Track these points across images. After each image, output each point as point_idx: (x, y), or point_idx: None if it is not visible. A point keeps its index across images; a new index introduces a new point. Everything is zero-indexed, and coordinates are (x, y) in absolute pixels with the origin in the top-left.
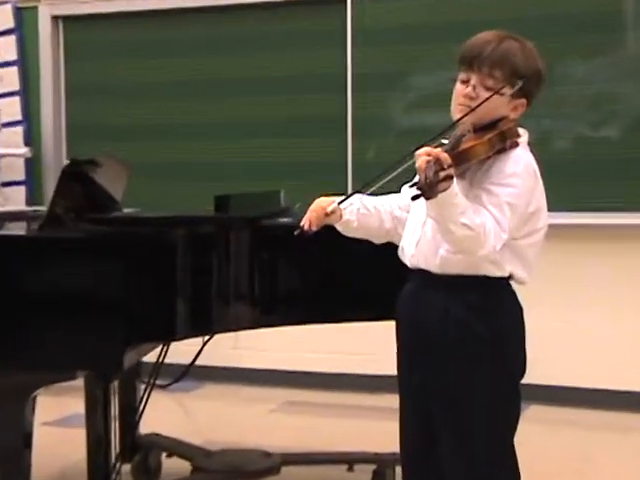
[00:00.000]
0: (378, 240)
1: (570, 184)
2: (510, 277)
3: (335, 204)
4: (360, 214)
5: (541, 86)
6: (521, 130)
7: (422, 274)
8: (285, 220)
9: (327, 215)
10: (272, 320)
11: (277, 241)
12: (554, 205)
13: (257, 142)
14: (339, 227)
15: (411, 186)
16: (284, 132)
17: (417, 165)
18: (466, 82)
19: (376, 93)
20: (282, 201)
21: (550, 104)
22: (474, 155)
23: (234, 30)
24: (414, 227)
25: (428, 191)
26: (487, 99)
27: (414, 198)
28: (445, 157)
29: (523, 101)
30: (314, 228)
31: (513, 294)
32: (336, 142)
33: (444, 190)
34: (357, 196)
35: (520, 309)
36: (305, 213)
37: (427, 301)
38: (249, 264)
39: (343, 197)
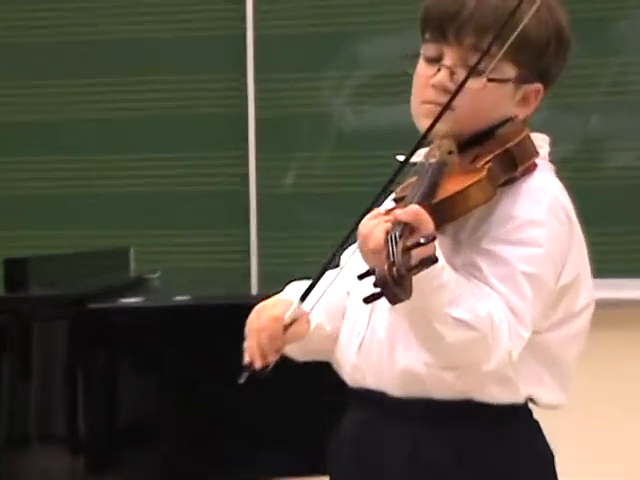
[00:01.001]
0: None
1: (633, 230)
2: (529, 400)
3: (295, 306)
4: (330, 313)
5: (566, 55)
6: (538, 138)
7: (372, 398)
8: (135, 301)
9: (287, 329)
10: None
11: (120, 339)
12: (603, 268)
13: (82, 159)
14: (295, 350)
15: (361, 276)
16: (135, 142)
17: (371, 242)
18: (436, 62)
19: (297, 72)
20: (131, 266)
21: (603, 91)
22: (469, 205)
23: None
24: (356, 316)
25: (395, 288)
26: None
27: (368, 300)
28: (420, 219)
29: (537, 86)
30: (272, 359)
31: (535, 427)
32: (229, 158)
33: (419, 272)
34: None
35: (549, 454)
36: (172, 288)
37: (381, 441)
38: (68, 380)
39: (302, 289)
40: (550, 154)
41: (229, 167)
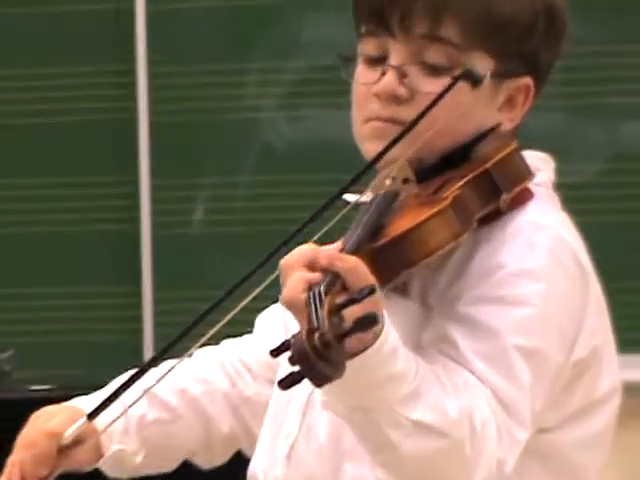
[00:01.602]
0: (208, 460)
1: None
2: None
3: (81, 423)
4: (153, 427)
5: (561, 36)
6: (536, 158)
7: None
8: None
9: (61, 453)
10: None
11: None
12: (633, 340)
13: None
14: (103, 468)
15: (275, 352)
16: None
17: (285, 297)
18: (380, 62)
19: (207, 62)
20: None
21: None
22: (427, 247)
23: None
24: (283, 412)
25: (319, 362)
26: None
27: (285, 384)
28: (352, 269)
29: (526, 81)
30: None
31: None
32: (111, 185)
33: (357, 353)
34: (145, 381)
35: None
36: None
37: None
38: None
39: (99, 398)
40: (554, 182)
41: (111, 198)
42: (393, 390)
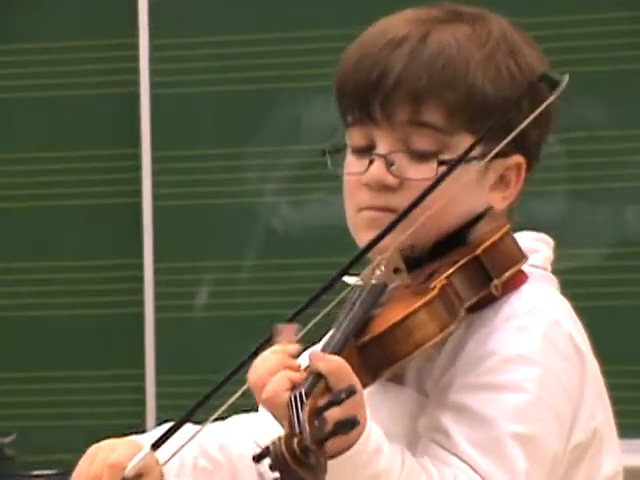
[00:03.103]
0: None
1: None
2: None
3: (145, 453)
4: (201, 473)
5: (550, 114)
6: (532, 238)
7: None
8: None
9: None
10: None
11: None
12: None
13: None
14: None
15: (257, 458)
16: None
17: (266, 397)
18: (368, 152)
19: (208, 148)
20: None
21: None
22: (413, 340)
23: None
24: None
25: (300, 469)
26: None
27: None
28: (336, 369)
29: (517, 159)
30: None
31: None
32: (117, 267)
33: (342, 452)
34: (185, 430)
35: None
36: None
37: None
38: None
39: (161, 430)
40: (552, 262)
41: (117, 281)
42: None
